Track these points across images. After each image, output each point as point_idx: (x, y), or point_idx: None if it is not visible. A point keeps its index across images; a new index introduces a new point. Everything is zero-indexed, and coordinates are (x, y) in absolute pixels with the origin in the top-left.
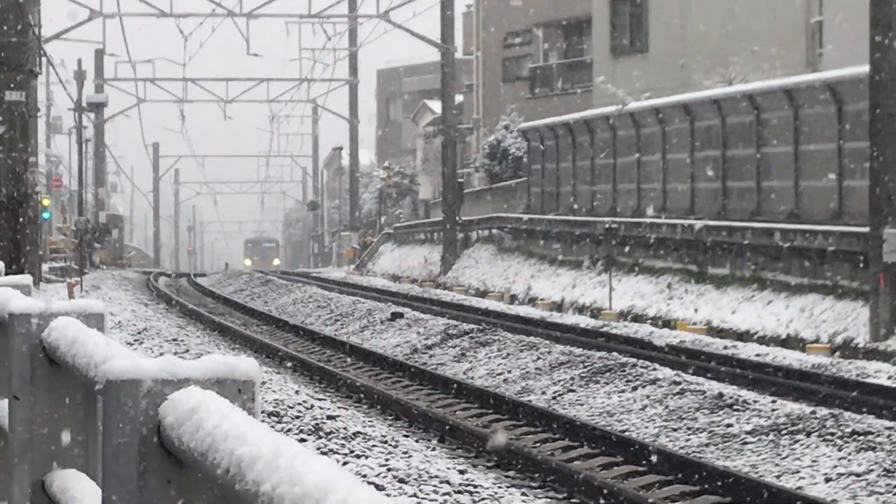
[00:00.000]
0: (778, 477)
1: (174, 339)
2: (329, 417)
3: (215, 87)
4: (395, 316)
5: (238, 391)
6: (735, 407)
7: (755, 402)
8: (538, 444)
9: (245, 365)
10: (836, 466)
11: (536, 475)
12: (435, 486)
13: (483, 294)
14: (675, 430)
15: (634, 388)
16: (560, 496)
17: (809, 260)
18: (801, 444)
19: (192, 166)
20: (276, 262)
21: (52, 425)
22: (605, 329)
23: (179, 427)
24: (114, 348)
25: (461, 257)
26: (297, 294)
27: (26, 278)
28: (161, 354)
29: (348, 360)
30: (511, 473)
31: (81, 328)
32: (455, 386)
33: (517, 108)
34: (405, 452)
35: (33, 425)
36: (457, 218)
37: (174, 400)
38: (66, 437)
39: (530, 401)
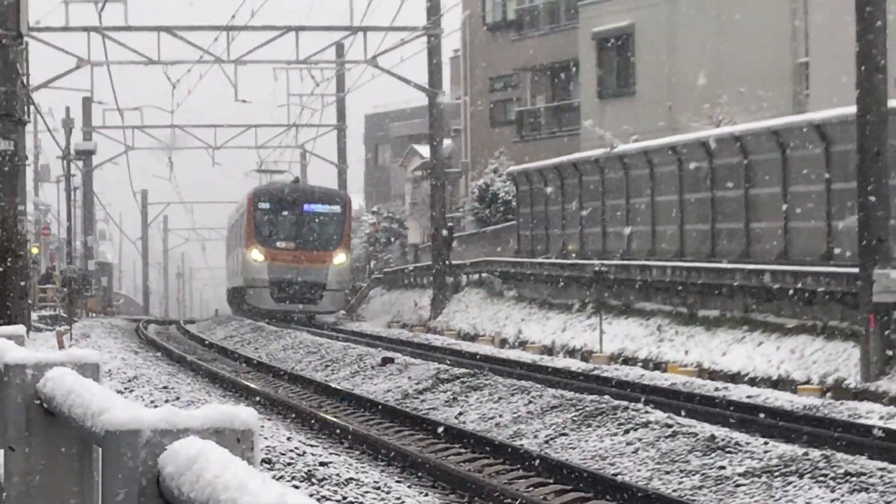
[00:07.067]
0: None
1: (165, 387)
2: (321, 464)
3: (203, 133)
4: (386, 361)
5: (237, 440)
6: (727, 449)
7: (747, 443)
8: (531, 489)
9: (244, 414)
10: None
11: None
12: None
13: (473, 338)
14: (667, 472)
15: (626, 432)
16: None
17: (799, 301)
18: (794, 486)
19: (181, 213)
20: (341, 260)
21: (48, 476)
22: (595, 372)
23: (179, 477)
24: (111, 398)
25: (451, 301)
26: (286, 340)
27: (20, 328)
28: (152, 402)
29: (340, 405)
30: None
31: (77, 378)
32: (447, 430)
33: (505, 152)
34: (398, 498)
35: (29, 476)
36: (446, 262)
37: (174, 450)
38: (62, 487)
39: (522, 445)
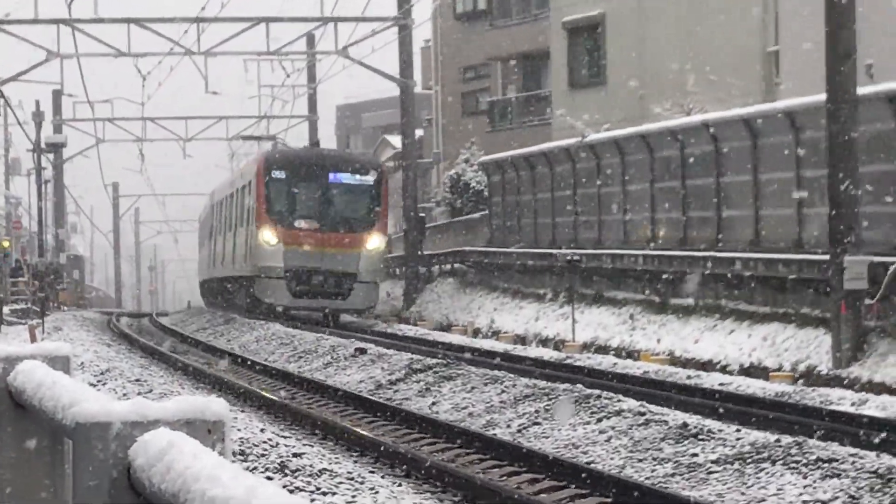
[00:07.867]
0: None
1: (137, 380)
2: (295, 455)
3: (174, 125)
4: (359, 352)
5: (208, 431)
6: (700, 436)
7: (720, 430)
8: (505, 478)
9: (215, 405)
10: (801, 494)
11: None
12: None
13: (447, 328)
14: (640, 460)
15: (599, 420)
16: None
17: (771, 288)
18: (767, 473)
19: (153, 205)
20: (375, 244)
21: (20, 469)
22: (568, 361)
23: (150, 469)
24: (81, 391)
25: (424, 292)
26: (259, 332)
27: None
28: (125, 394)
29: (313, 396)
30: None
31: (48, 371)
32: (420, 420)
33: (477, 142)
34: (371, 489)
35: (0, 470)
36: (419, 252)
37: (144, 442)
38: (33, 480)
39: (495, 434)
